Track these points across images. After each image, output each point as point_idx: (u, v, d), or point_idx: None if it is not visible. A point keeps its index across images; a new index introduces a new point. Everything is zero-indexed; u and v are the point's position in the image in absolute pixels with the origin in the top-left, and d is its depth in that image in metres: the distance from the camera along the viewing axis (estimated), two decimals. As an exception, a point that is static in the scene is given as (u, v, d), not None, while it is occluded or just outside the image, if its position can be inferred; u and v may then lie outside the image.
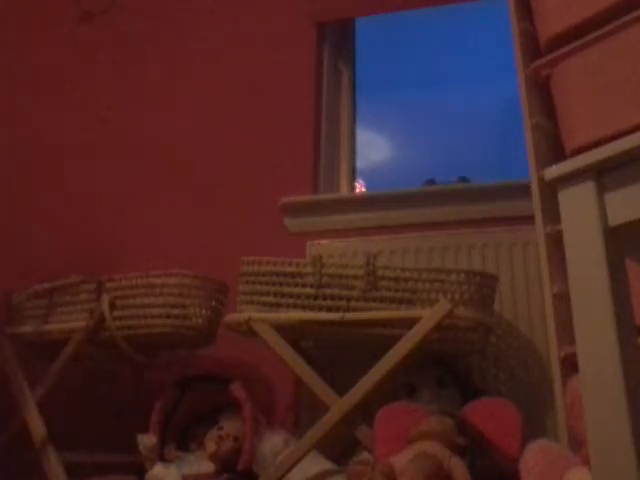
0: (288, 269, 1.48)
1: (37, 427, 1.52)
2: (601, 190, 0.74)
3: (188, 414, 1.65)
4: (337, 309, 1.43)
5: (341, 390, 1.39)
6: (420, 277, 1.43)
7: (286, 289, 1.47)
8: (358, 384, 1.37)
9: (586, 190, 0.75)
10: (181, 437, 1.64)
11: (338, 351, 1.65)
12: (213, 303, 1.63)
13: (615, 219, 0.73)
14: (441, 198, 1.88)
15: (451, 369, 1.56)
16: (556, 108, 1.32)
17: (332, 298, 1.44)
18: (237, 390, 1.57)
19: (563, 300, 1.30)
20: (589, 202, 0.74)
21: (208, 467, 1.52)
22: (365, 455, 1.42)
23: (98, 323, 1.57)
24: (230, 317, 1.52)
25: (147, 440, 1.53)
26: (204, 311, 1.61)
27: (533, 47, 1.41)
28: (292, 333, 1.48)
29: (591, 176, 0.74)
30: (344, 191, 2.14)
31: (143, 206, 2.13)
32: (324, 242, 1.88)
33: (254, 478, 1.47)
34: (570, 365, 1.25)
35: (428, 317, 1.37)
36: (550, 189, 1.27)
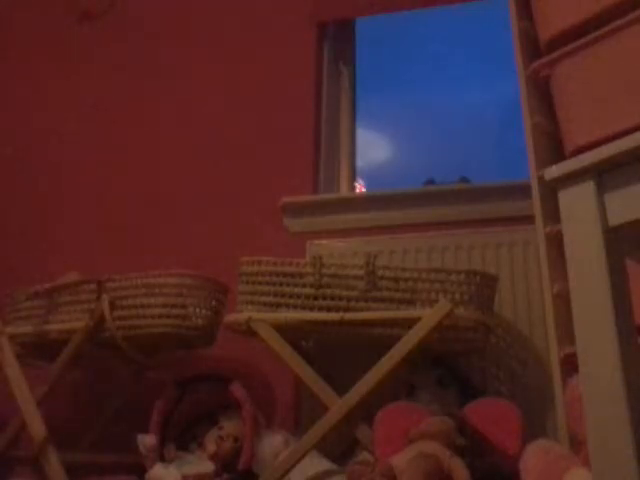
0: (288, 269, 1.48)
1: (37, 427, 1.52)
2: (601, 190, 0.74)
3: (188, 414, 1.65)
4: (337, 309, 1.43)
5: (341, 390, 1.39)
6: (420, 277, 1.43)
7: (286, 289, 1.47)
8: (358, 384, 1.37)
9: (586, 190, 0.75)
10: (181, 437, 1.64)
11: (338, 351, 1.65)
12: (213, 303, 1.63)
13: (615, 219, 0.73)
14: (441, 198, 1.88)
15: (451, 369, 1.56)
16: (556, 108, 1.32)
17: (332, 298, 1.44)
18: (237, 390, 1.57)
19: (563, 300, 1.30)
20: (589, 202, 0.74)
21: (208, 467, 1.52)
22: (365, 455, 1.42)
23: (98, 323, 1.57)
24: (230, 317, 1.52)
25: (147, 440, 1.53)
26: (204, 311, 1.61)
27: (533, 47, 1.41)
28: (292, 333, 1.48)
29: (591, 176, 0.74)
30: (344, 191, 2.14)
31: (143, 206, 2.13)
32: (324, 242, 1.88)
33: (254, 478, 1.47)
34: (570, 365, 1.25)
35: (428, 317, 1.37)
36: (550, 189, 1.27)
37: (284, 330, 1.45)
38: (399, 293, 1.43)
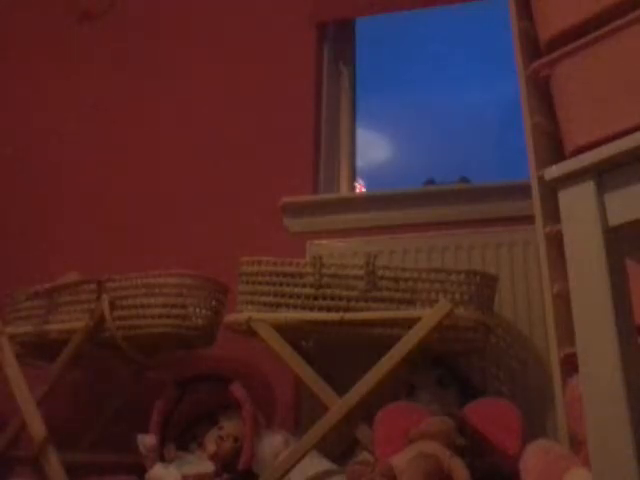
0: (288, 269, 1.48)
1: (37, 427, 1.52)
2: (601, 190, 0.74)
3: (188, 414, 1.65)
4: (337, 309, 1.43)
5: (341, 390, 1.39)
6: (420, 277, 1.43)
7: (286, 289, 1.47)
8: (358, 384, 1.37)
9: (586, 190, 0.75)
10: (181, 437, 1.64)
11: (338, 351, 1.65)
12: (213, 303, 1.63)
13: (615, 219, 0.73)
14: (441, 198, 1.88)
15: (451, 369, 1.56)
16: (556, 108, 1.32)
17: (332, 298, 1.44)
18: (237, 390, 1.57)
19: (563, 300, 1.30)
20: (589, 202, 0.74)
21: (208, 467, 1.52)
22: (365, 455, 1.42)
23: (98, 323, 1.57)
24: (230, 317, 1.52)
25: (147, 440, 1.52)
26: (204, 311, 1.61)
27: (533, 47, 1.41)
28: (292, 333, 1.48)
29: (591, 176, 0.75)
30: (344, 191, 2.14)
31: (143, 206, 2.13)
32: (324, 242, 1.88)
33: (254, 478, 1.47)
34: (570, 365, 1.25)
35: (428, 317, 1.37)
36: (550, 189, 1.27)
37: (284, 330, 1.45)
38: (399, 293, 1.43)
